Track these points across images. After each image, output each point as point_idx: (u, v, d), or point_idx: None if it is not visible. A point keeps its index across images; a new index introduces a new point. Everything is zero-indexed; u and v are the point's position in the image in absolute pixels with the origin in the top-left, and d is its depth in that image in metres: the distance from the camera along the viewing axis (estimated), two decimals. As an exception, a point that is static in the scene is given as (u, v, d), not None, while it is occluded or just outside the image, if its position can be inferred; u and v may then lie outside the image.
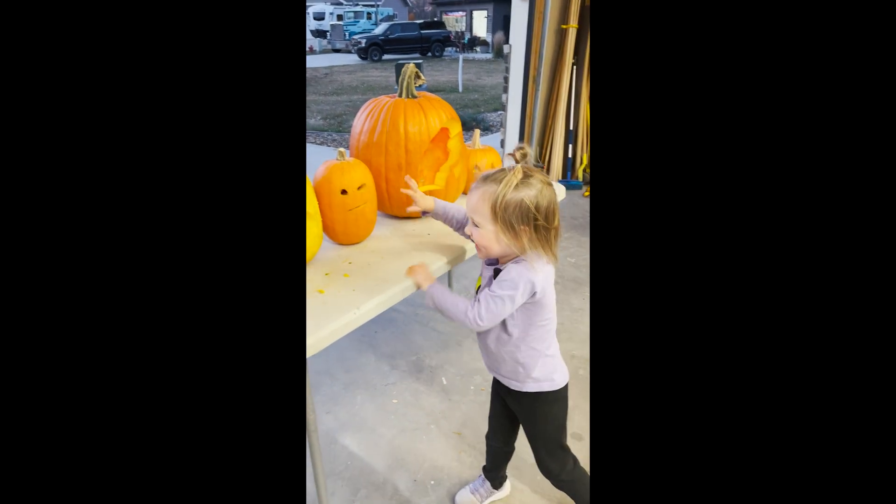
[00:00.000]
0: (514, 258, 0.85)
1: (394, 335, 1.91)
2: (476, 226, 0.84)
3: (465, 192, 1.46)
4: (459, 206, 1.06)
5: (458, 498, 1.24)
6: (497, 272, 0.87)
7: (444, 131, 1.23)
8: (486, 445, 1.17)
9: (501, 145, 3.54)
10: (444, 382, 1.65)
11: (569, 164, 3.48)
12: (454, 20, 23.57)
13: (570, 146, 3.45)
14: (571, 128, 3.42)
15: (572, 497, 1.08)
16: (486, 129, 5.86)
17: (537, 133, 3.45)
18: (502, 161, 1.49)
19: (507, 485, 1.26)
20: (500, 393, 1.04)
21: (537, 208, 0.79)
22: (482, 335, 0.96)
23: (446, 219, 1.07)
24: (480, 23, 23.34)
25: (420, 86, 1.25)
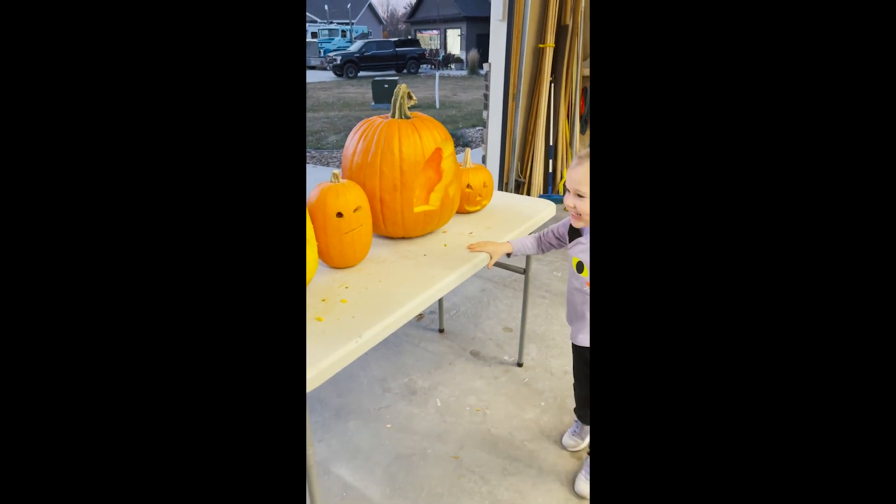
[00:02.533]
0: None
1: (384, 356, 1.87)
2: (580, 196, 0.99)
3: (459, 212, 1.46)
4: (524, 237, 1.26)
5: (564, 441, 1.41)
6: None
7: (438, 151, 1.22)
8: (574, 392, 1.32)
9: (483, 161, 3.57)
10: (439, 404, 1.61)
11: (549, 179, 3.54)
12: (428, 38, 23.94)
13: (551, 161, 3.51)
14: (551, 143, 3.48)
15: None
16: (466, 144, 5.91)
17: (518, 148, 3.50)
18: (493, 178, 1.50)
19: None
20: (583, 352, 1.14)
21: None
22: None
23: (527, 250, 1.24)
24: (454, 40, 23.78)
25: (411, 106, 1.24)
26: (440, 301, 2.03)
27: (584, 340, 1.11)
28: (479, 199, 1.42)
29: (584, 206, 0.99)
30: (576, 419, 1.41)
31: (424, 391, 1.67)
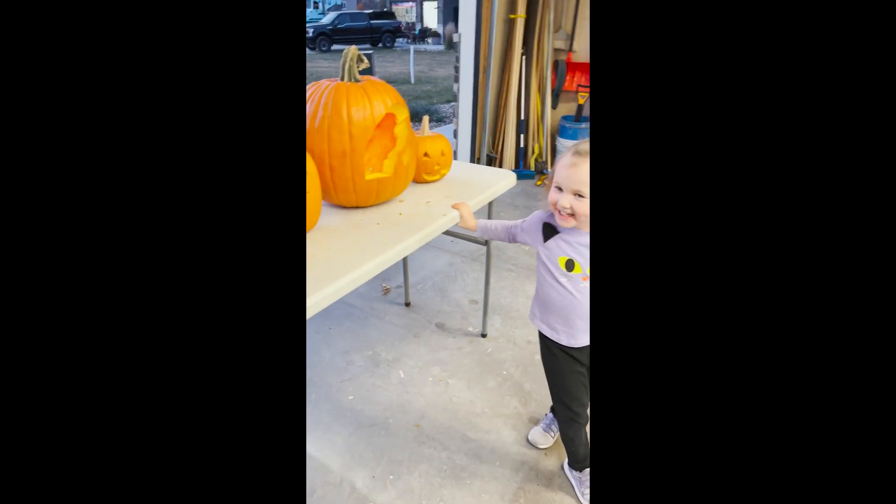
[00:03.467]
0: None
1: (349, 330, 1.86)
2: (581, 196, 0.90)
3: (415, 180, 1.43)
4: (497, 221, 1.21)
5: (530, 436, 1.35)
6: None
7: (391, 117, 1.19)
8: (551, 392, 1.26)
9: (454, 136, 3.53)
10: (402, 375, 1.62)
11: (521, 154, 3.52)
12: (404, 10, 23.22)
13: (522, 136, 3.49)
14: (522, 118, 3.45)
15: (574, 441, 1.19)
16: (440, 119, 5.82)
17: (489, 123, 3.46)
18: (452, 147, 1.47)
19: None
20: (573, 354, 1.08)
21: None
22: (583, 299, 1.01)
23: (490, 235, 1.21)
24: (431, 13, 23.14)
25: (363, 70, 1.20)
26: (406, 275, 2.02)
27: (579, 341, 1.05)
28: (437, 167, 1.40)
29: (584, 207, 0.91)
30: (549, 414, 1.38)
31: (388, 363, 1.68)
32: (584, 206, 0.90)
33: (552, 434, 1.35)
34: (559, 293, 1.02)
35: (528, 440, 1.35)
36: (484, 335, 1.81)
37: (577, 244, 0.98)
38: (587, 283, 0.98)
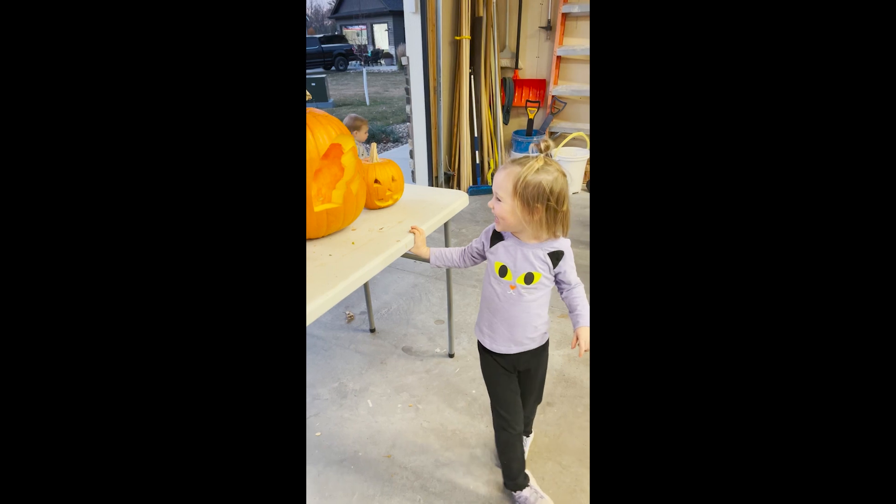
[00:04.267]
0: (526, 233, 0.99)
1: (313, 363, 1.81)
2: (499, 199, 0.97)
3: (368, 207, 1.43)
4: (448, 249, 1.22)
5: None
6: (554, 255, 1.00)
7: (337, 147, 1.19)
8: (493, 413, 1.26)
9: (411, 156, 3.55)
10: (370, 405, 1.59)
11: (477, 170, 3.58)
12: (355, 34, 23.41)
13: (477, 152, 3.55)
14: (476, 135, 3.52)
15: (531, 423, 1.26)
16: (396, 140, 5.86)
17: (444, 141, 3.51)
18: (407, 172, 1.48)
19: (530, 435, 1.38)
20: (515, 365, 1.11)
21: (551, 191, 0.92)
22: (519, 308, 1.04)
23: (446, 262, 1.21)
24: (382, 35, 23.44)
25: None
26: (368, 300, 1.99)
27: (498, 347, 1.09)
28: (388, 193, 1.40)
29: (500, 209, 0.98)
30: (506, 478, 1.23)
31: (355, 393, 1.64)
32: (499, 208, 0.98)
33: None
34: (489, 295, 1.07)
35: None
36: (451, 355, 1.80)
37: (516, 252, 1.02)
38: (514, 293, 1.03)
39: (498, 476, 1.31)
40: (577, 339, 0.97)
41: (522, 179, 0.93)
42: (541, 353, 1.13)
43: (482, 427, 1.48)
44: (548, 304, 1.08)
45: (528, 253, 1.01)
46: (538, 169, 0.93)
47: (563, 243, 1.02)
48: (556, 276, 1.03)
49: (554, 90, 3.51)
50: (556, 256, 1.01)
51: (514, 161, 0.97)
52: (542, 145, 0.98)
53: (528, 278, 1.02)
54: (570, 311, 1.03)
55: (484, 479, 1.30)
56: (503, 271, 1.03)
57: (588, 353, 0.99)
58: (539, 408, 1.53)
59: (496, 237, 1.06)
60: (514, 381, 1.13)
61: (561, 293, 1.06)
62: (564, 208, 0.96)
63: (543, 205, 0.94)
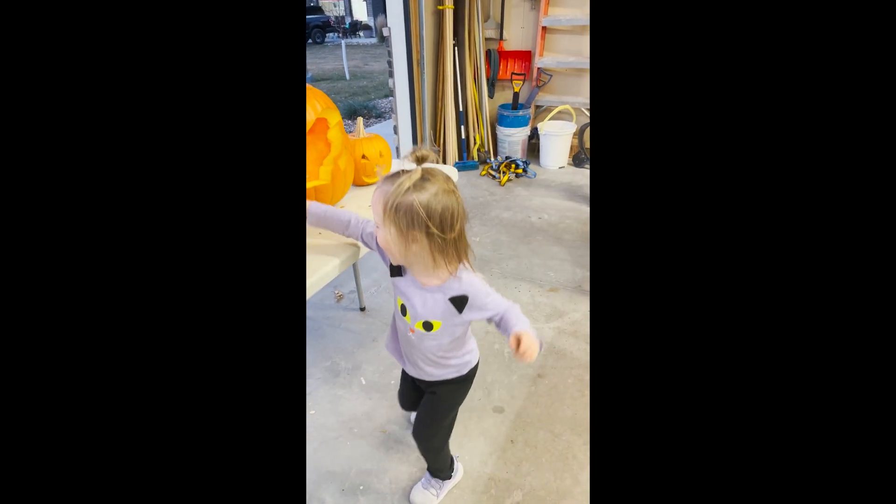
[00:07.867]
0: (415, 268, 0.82)
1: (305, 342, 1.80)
2: (377, 226, 0.79)
3: (355, 184, 1.40)
4: (334, 209, 1.00)
5: (412, 498, 1.18)
6: (457, 300, 0.80)
7: (322, 122, 1.15)
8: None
9: (395, 132, 3.48)
10: (363, 382, 1.59)
11: (463, 145, 3.54)
12: (332, 4, 22.53)
13: (462, 127, 3.50)
14: (461, 109, 3.46)
15: (435, 462, 1.15)
16: (379, 115, 5.72)
17: (429, 116, 3.44)
18: (391, 148, 1.44)
19: (460, 467, 1.25)
20: (421, 387, 1.04)
21: (429, 214, 0.72)
22: (422, 348, 0.91)
23: (324, 224, 0.99)
24: (360, 6, 22.59)
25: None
26: (357, 279, 1.98)
27: (410, 371, 1.00)
28: (376, 169, 1.37)
29: (381, 237, 0.77)
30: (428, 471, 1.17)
31: (348, 371, 1.64)
32: (380, 237, 0.78)
33: (433, 492, 1.18)
34: (399, 334, 0.97)
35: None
36: (442, 331, 1.81)
37: (413, 296, 0.84)
38: (414, 336, 0.89)
39: (491, 445, 1.34)
40: (518, 343, 0.75)
41: (392, 201, 0.72)
42: (452, 387, 0.96)
43: (476, 401, 1.50)
44: (464, 338, 0.92)
45: (426, 297, 0.82)
46: (410, 187, 0.72)
47: (466, 284, 0.79)
48: (468, 321, 0.85)
49: (539, 62, 3.45)
50: (459, 302, 0.80)
51: (387, 177, 0.77)
52: (418, 154, 0.77)
53: (427, 326, 0.85)
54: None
55: (479, 450, 1.33)
56: (403, 310, 0.88)
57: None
58: (530, 379, 1.56)
59: (394, 269, 0.86)
60: (416, 386, 1.05)
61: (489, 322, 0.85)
62: (454, 234, 0.75)
63: (422, 231, 0.73)
